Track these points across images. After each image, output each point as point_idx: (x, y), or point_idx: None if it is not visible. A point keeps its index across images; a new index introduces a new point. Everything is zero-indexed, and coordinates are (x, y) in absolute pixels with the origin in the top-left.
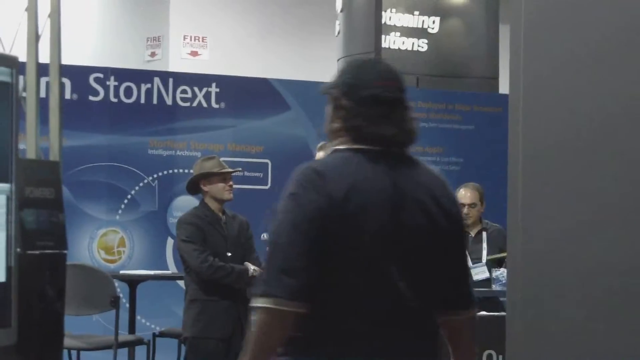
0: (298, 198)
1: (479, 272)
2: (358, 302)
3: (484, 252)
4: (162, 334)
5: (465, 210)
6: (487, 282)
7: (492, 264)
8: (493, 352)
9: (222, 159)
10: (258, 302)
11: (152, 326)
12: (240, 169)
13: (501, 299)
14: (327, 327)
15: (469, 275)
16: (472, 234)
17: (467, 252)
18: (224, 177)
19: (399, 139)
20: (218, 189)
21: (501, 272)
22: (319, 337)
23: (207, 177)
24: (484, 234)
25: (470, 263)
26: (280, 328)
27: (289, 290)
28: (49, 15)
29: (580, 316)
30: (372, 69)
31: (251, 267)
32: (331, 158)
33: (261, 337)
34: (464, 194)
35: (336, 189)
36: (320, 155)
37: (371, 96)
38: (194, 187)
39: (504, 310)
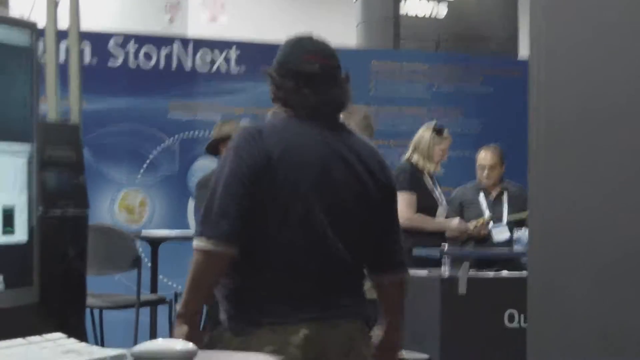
0: (239, 151)
1: (500, 233)
2: (290, 256)
3: (505, 213)
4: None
5: (485, 172)
6: (509, 242)
7: (513, 224)
8: (515, 312)
9: (242, 122)
10: (194, 243)
11: (174, 285)
12: None
13: (523, 260)
14: (259, 278)
15: (399, 240)
16: (493, 195)
17: (396, 217)
18: None
19: (324, 108)
20: None
21: (522, 233)
22: (251, 287)
23: (226, 140)
24: (505, 194)
25: (491, 224)
26: (213, 269)
27: (222, 233)
28: None
29: (599, 277)
30: (299, 46)
31: None
32: (270, 120)
33: (195, 276)
34: (484, 156)
35: (272, 146)
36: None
37: (294, 70)
38: (213, 150)
39: (525, 270)
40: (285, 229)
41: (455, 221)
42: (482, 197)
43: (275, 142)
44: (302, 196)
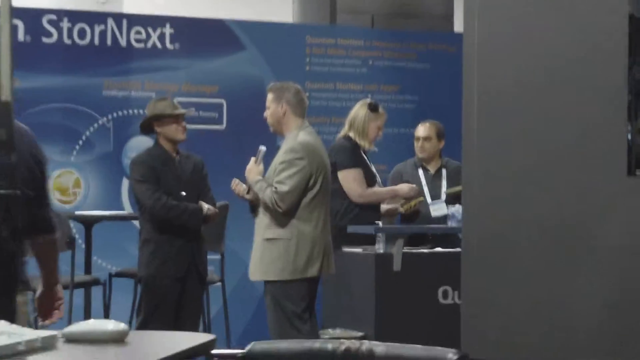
0: None
1: (437, 209)
2: None
3: (443, 189)
4: (117, 274)
5: (420, 143)
6: (445, 218)
7: (452, 198)
8: (449, 288)
9: (177, 99)
10: None
11: (108, 267)
12: (193, 109)
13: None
14: None
15: (48, 202)
16: (432, 171)
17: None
18: (176, 118)
19: None
20: (171, 130)
21: (456, 209)
22: None
23: (160, 118)
24: (444, 171)
25: (429, 199)
26: None
27: None
28: None
29: (533, 253)
30: None
31: (205, 206)
32: None
33: None
34: (419, 128)
35: None
36: (271, 97)
37: None
38: (147, 128)
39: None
40: None
41: (404, 185)
42: (421, 172)
43: None
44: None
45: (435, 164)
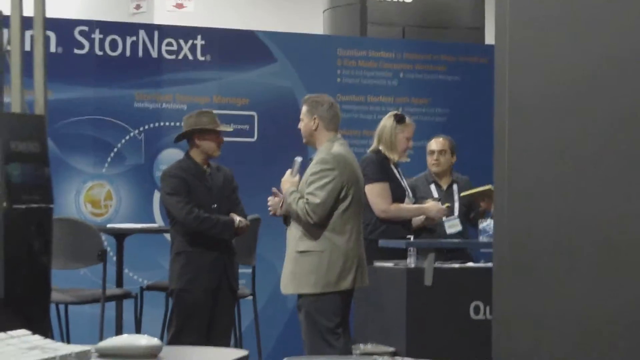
0: None
1: (452, 226)
2: None
3: (456, 205)
4: (149, 287)
5: (434, 157)
6: (460, 235)
7: (466, 201)
8: (480, 303)
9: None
10: None
11: (140, 279)
12: (231, 126)
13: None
14: None
15: None
16: (444, 186)
17: None
18: (217, 133)
19: None
20: (210, 145)
21: (488, 223)
22: None
23: (202, 132)
24: (455, 186)
25: (444, 217)
26: None
27: None
28: None
29: (565, 266)
30: None
31: (237, 218)
32: None
33: None
34: (433, 142)
35: None
36: (305, 110)
37: None
38: (183, 138)
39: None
40: None
41: (430, 202)
42: (433, 188)
43: None
44: None
45: (447, 179)
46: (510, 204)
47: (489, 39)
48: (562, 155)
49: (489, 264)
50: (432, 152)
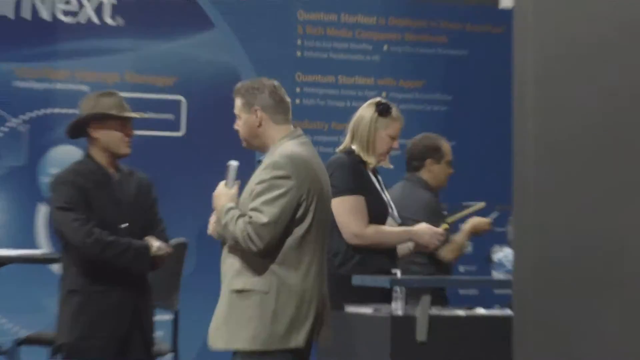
0: None
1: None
2: None
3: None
4: (28, 340)
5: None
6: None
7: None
8: None
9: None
10: None
11: (15, 329)
12: (147, 114)
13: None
14: None
15: None
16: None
17: None
18: (123, 123)
19: None
20: (114, 138)
21: (505, 255)
22: None
23: (102, 119)
24: None
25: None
26: None
27: None
28: None
29: (595, 306)
30: None
31: (155, 244)
32: None
33: None
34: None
35: None
36: (239, 103)
37: None
38: (78, 131)
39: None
40: None
41: (422, 226)
42: None
43: None
44: None
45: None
46: (534, 237)
47: (505, 0)
48: (591, 186)
49: (508, 311)
50: (449, 162)
